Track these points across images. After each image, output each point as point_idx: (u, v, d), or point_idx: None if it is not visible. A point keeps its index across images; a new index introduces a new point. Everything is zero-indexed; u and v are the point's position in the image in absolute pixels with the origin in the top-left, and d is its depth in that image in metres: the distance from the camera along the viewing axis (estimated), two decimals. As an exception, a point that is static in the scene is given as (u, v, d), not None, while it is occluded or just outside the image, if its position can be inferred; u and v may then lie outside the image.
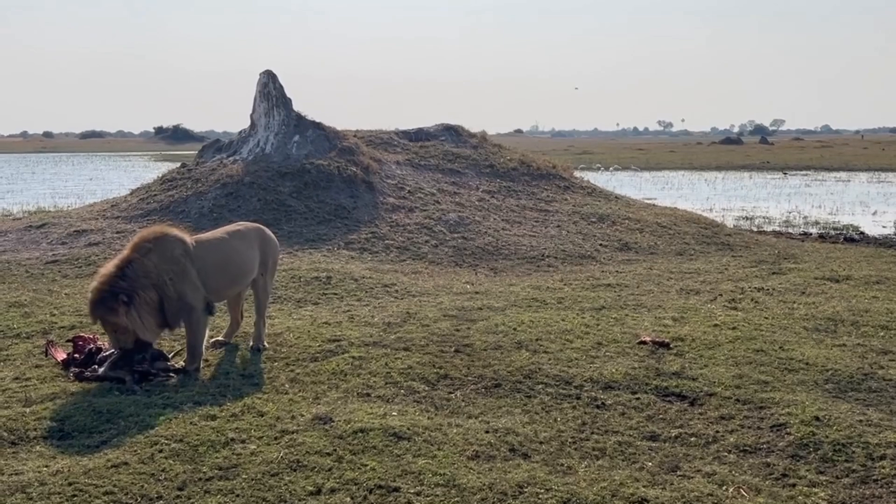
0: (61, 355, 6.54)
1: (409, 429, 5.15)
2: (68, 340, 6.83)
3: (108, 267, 6.18)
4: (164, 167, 35.40)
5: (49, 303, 8.67)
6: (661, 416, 5.63)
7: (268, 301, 7.23)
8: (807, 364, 6.65)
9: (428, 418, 5.44)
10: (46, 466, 4.64)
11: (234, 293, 7.12)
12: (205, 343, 6.68)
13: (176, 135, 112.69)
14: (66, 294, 9.16)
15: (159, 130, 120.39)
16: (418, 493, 4.35)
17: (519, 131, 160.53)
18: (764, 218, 20.16)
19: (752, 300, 9.11)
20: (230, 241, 6.91)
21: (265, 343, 7.03)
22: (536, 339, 7.26)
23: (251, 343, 7.04)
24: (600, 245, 12.84)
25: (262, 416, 5.39)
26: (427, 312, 8.25)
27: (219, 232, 7.14)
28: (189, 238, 6.60)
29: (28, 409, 5.48)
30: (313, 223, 12.77)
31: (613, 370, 6.39)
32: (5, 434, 5.10)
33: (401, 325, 7.74)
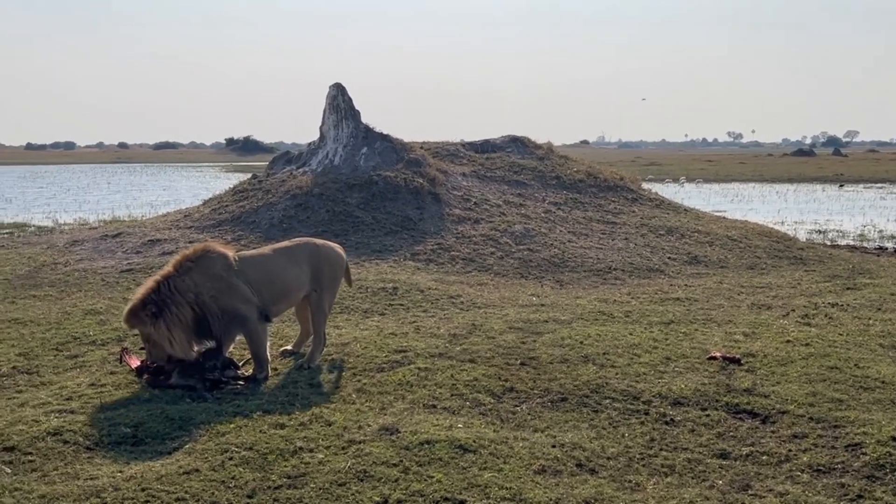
0: (135, 362, 6.70)
1: (475, 441, 5.15)
2: (142, 348, 6.98)
3: (149, 281, 6.45)
4: (235, 178, 36.07)
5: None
6: (731, 433, 5.53)
7: (324, 318, 7.18)
8: (883, 382, 6.46)
9: (494, 431, 5.43)
10: (120, 472, 4.76)
11: (281, 310, 7.17)
12: (269, 350, 6.79)
13: (246, 146, 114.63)
14: (140, 302, 9.38)
15: (230, 142, 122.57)
16: (484, 507, 4.34)
17: (585, 142, 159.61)
18: (837, 231, 19.69)
19: (825, 316, 8.90)
20: (275, 259, 6.97)
21: (315, 362, 6.95)
22: (603, 353, 7.20)
23: (303, 359, 7.07)
24: (669, 258, 12.69)
25: (330, 425, 5.45)
26: (492, 324, 8.25)
27: (266, 249, 7.25)
28: (232, 253, 6.75)
29: (103, 415, 5.62)
30: (380, 234, 12.87)
31: (683, 386, 6.31)
32: (81, 439, 5.24)
33: (466, 337, 7.75)
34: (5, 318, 8.61)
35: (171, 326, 6.28)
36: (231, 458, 4.88)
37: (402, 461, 4.86)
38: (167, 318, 6.26)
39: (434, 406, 5.90)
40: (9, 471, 4.80)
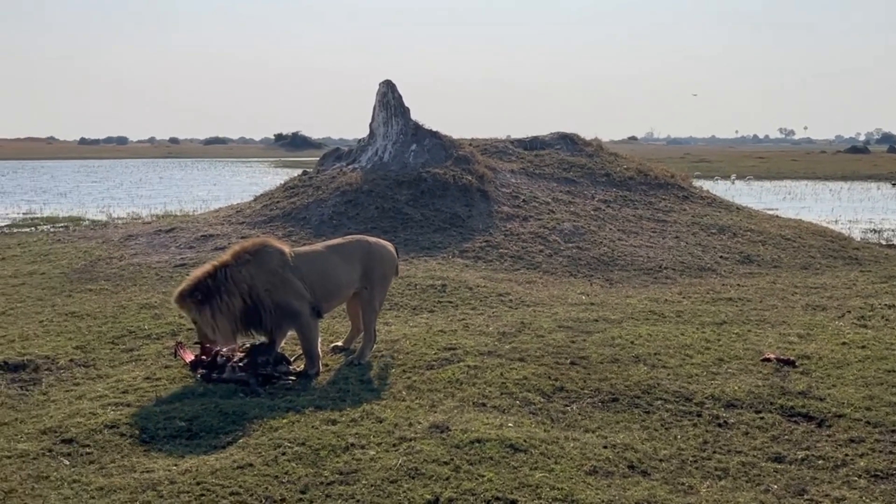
0: (189, 357, 6.80)
1: (525, 441, 5.15)
2: (196, 342, 7.09)
3: (205, 266, 6.57)
4: (283, 173, 36.40)
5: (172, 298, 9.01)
6: (786, 436, 5.45)
7: (374, 316, 7.22)
8: (943, 387, 6.32)
9: (544, 431, 5.42)
10: (175, 465, 4.84)
11: (332, 306, 7.26)
12: (319, 345, 6.84)
13: (294, 141, 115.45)
14: (193, 297, 9.51)
15: (279, 137, 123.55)
16: (536, 507, 4.34)
17: (633, 138, 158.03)
18: (893, 231, 19.28)
19: (882, 318, 8.73)
20: (328, 255, 7.04)
21: (365, 359, 6.97)
22: (655, 354, 7.14)
23: (353, 356, 7.10)
24: (721, 257, 12.53)
25: (381, 422, 5.47)
26: (542, 323, 8.22)
27: (319, 245, 7.34)
28: (288, 249, 6.83)
29: (158, 409, 5.72)
30: (429, 231, 12.89)
31: (736, 388, 6.23)
32: (137, 432, 5.34)
33: (515, 335, 7.73)
34: (63, 311, 8.79)
35: (217, 314, 6.37)
36: (284, 454, 4.93)
37: (452, 459, 4.87)
38: (215, 304, 6.35)
39: (484, 404, 5.90)
40: (67, 462, 4.90)
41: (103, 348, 7.36)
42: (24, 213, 24.32)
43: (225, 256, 6.59)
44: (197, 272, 6.51)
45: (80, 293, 9.86)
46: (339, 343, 7.45)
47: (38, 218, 22.75)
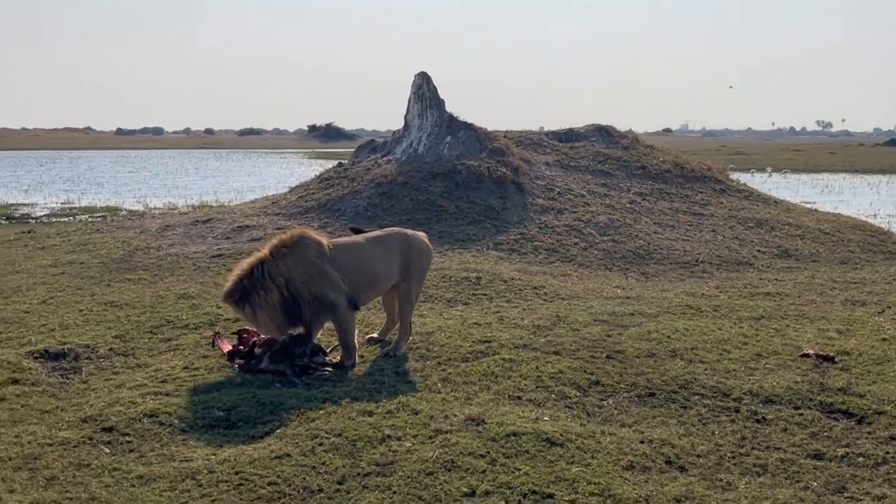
0: (227, 347, 6.86)
1: (561, 435, 5.13)
2: (234, 333, 7.15)
3: (244, 263, 6.65)
4: (317, 164, 36.57)
5: (215, 295, 9.07)
6: (825, 433, 5.39)
7: (411, 308, 7.23)
8: None
9: (580, 425, 5.40)
10: (214, 454, 4.88)
11: (370, 298, 7.29)
12: (356, 338, 6.87)
13: (328, 133, 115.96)
14: (229, 287, 9.58)
15: (313, 128, 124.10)
16: (572, 501, 4.33)
17: (668, 130, 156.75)
18: (935, 225, 18.95)
19: (924, 314, 8.59)
20: (367, 247, 7.06)
21: (401, 351, 6.99)
22: (692, 348, 7.09)
23: (389, 347, 7.11)
24: (758, 251, 12.39)
25: (417, 414, 5.48)
26: (577, 316, 8.18)
27: (358, 237, 7.34)
28: (326, 241, 6.86)
29: (197, 398, 5.77)
30: (463, 223, 12.87)
31: (774, 383, 6.16)
32: (176, 421, 5.39)
33: (551, 329, 7.71)
34: (102, 300, 8.89)
35: (258, 309, 6.46)
36: (321, 444, 4.96)
37: (488, 452, 4.87)
38: (255, 300, 6.45)
39: (519, 398, 5.90)
40: (107, 451, 4.96)
41: (142, 338, 7.44)
42: (62, 203, 24.65)
43: (264, 250, 6.66)
44: (236, 271, 6.62)
45: (118, 283, 9.97)
46: (375, 335, 7.47)
47: (76, 208, 23.06)
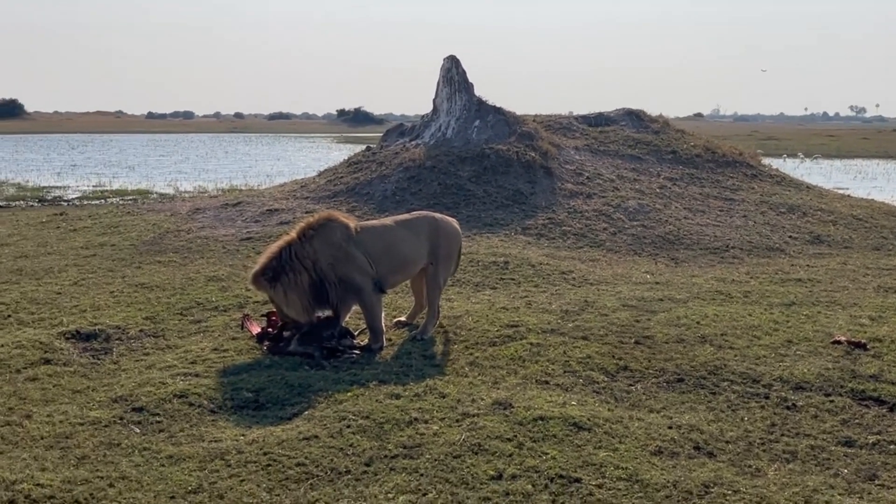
0: (256, 329, 6.90)
1: (589, 419, 5.11)
2: (262, 315, 7.18)
3: (273, 247, 6.70)
4: (346, 149, 36.61)
5: (244, 278, 9.11)
6: (857, 420, 5.33)
7: (438, 292, 7.22)
8: None
9: (608, 410, 5.38)
10: (243, 435, 4.92)
11: (398, 281, 7.28)
12: (383, 320, 6.88)
13: (357, 117, 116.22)
14: (258, 270, 9.63)
15: (341, 113, 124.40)
16: (600, 486, 4.31)
17: (699, 115, 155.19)
18: (971, 212, 18.64)
19: (959, 302, 8.45)
20: (395, 230, 7.06)
21: (428, 335, 6.99)
22: (721, 334, 7.02)
23: (416, 331, 7.12)
24: (790, 237, 12.25)
25: (444, 397, 5.49)
26: (605, 301, 8.14)
27: (387, 220, 7.37)
28: (353, 223, 6.87)
29: (226, 380, 5.81)
30: (491, 208, 12.84)
31: (805, 370, 6.10)
32: (205, 402, 5.43)
33: (579, 314, 7.67)
34: (132, 282, 8.97)
35: (288, 290, 6.51)
36: (349, 426, 4.98)
37: (515, 436, 4.87)
38: (284, 282, 6.50)
39: (547, 382, 5.88)
40: (138, 430, 5.01)
41: (172, 319, 7.50)
42: (94, 186, 24.89)
43: (292, 233, 6.72)
44: (265, 254, 6.68)
45: (149, 265, 10.05)
46: (402, 318, 7.48)
47: (107, 191, 23.30)
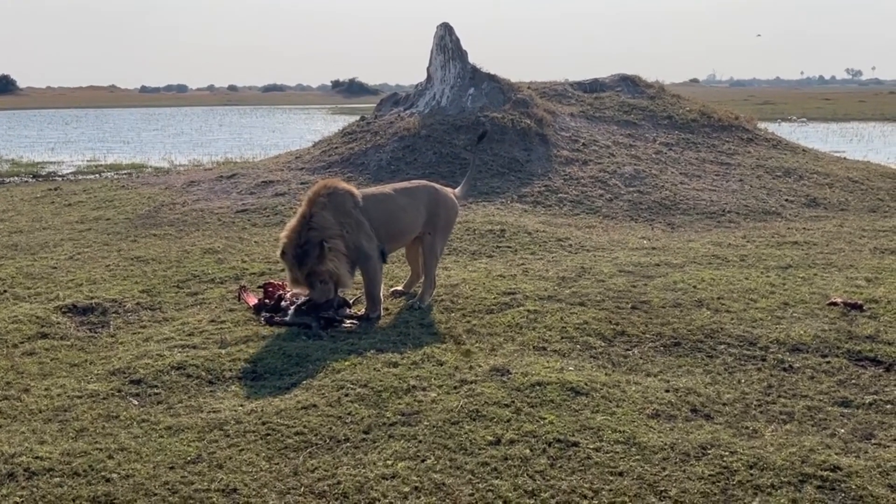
0: (252, 300, 6.89)
1: (586, 384, 5.12)
2: (259, 286, 7.18)
3: (293, 224, 6.49)
4: (341, 119, 36.43)
5: (240, 250, 9.13)
6: (853, 381, 5.34)
7: (435, 261, 7.19)
8: None
9: (605, 374, 5.39)
10: (241, 406, 4.92)
11: (393, 249, 7.24)
12: (383, 291, 6.87)
13: (351, 88, 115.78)
14: (255, 242, 9.63)
15: (336, 84, 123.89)
16: (597, 449, 4.32)
17: (695, 80, 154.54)
18: (968, 173, 18.62)
19: (955, 262, 8.46)
20: (395, 198, 7.01)
21: (425, 303, 6.96)
22: (718, 298, 7.03)
23: (414, 300, 7.11)
24: (786, 200, 12.24)
25: (442, 365, 5.49)
26: (602, 268, 8.14)
27: (387, 187, 7.31)
28: (357, 191, 6.82)
29: (224, 351, 5.81)
30: (487, 176, 12.80)
31: (801, 332, 6.11)
32: (203, 374, 5.44)
33: (575, 280, 7.67)
34: (128, 255, 8.95)
35: (338, 256, 6.42)
36: (347, 395, 4.99)
37: (513, 402, 4.88)
38: (334, 248, 6.38)
39: (544, 348, 5.89)
40: (136, 402, 5.02)
41: (168, 292, 7.49)
42: (88, 161, 24.81)
43: (305, 207, 6.53)
44: (293, 233, 6.41)
45: (144, 238, 10.03)
46: (399, 287, 7.47)
47: (101, 165, 23.21)
